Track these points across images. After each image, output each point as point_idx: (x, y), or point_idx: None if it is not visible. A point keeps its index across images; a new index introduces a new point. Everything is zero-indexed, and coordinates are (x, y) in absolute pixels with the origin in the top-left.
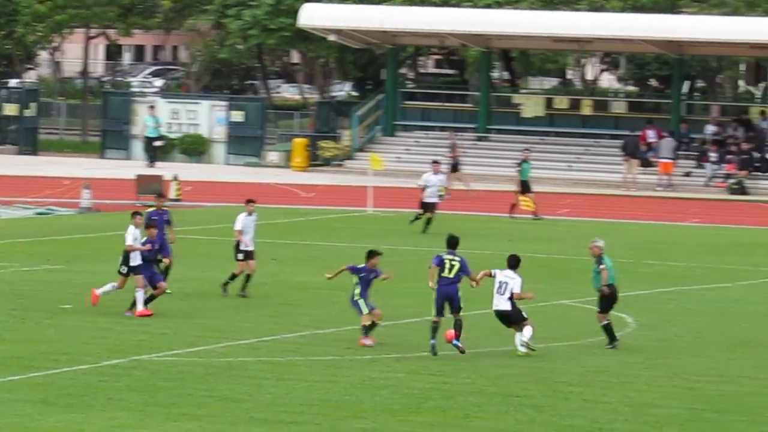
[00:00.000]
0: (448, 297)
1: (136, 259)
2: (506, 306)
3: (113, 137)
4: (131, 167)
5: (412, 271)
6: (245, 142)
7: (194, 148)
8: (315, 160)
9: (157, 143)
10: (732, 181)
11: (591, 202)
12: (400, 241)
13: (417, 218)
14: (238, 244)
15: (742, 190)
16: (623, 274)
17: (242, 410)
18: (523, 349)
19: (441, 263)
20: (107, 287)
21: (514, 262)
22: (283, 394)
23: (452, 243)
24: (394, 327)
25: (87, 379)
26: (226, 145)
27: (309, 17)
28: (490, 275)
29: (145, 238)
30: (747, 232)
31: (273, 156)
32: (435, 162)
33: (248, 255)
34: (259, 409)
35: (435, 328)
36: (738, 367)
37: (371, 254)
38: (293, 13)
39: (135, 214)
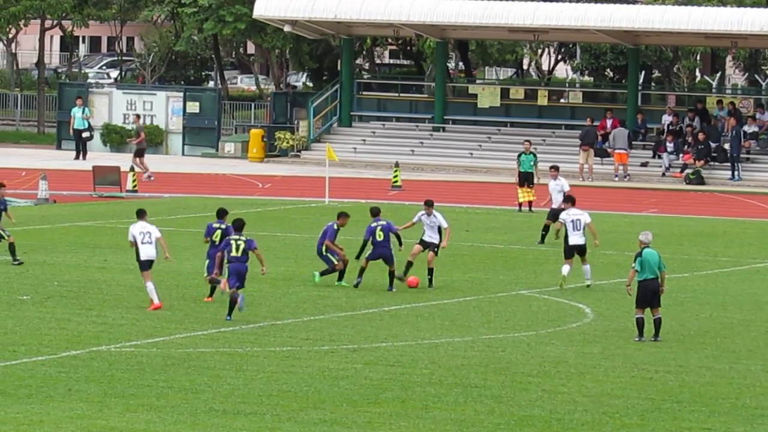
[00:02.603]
0: (382, 256)
1: None
2: None
3: (69, 128)
4: (88, 158)
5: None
6: (201, 133)
7: (150, 138)
8: (271, 151)
9: (85, 134)
10: (689, 171)
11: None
12: (357, 232)
13: None
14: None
15: (699, 180)
16: (580, 264)
17: (201, 401)
18: None
19: (372, 232)
20: None
21: None
22: (241, 385)
23: (375, 212)
24: (351, 318)
25: (46, 370)
26: (183, 136)
27: (264, 8)
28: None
29: None
30: (704, 222)
31: (229, 147)
32: None
33: None
34: (218, 400)
35: (362, 271)
36: (697, 357)
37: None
38: (249, 2)
39: None
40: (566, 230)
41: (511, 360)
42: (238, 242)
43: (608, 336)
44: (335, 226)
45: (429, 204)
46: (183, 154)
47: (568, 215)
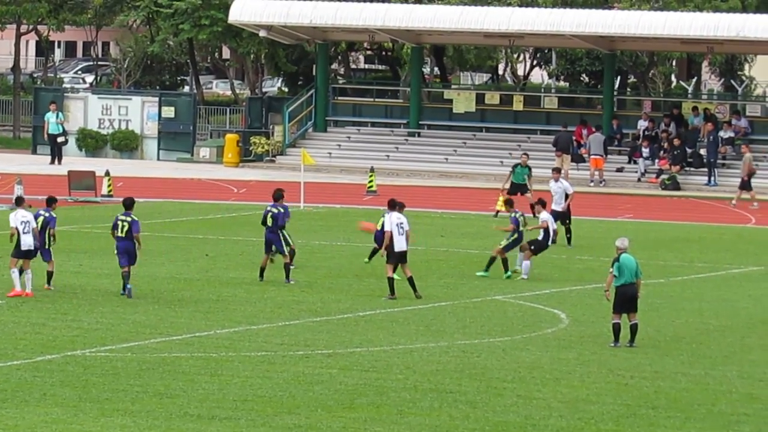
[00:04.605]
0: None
1: None
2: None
3: (44, 133)
4: (63, 163)
5: (344, 267)
6: (177, 138)
7: (126, 143)
8: (246, 156)
9: (60, 139)
10: (664, 176)
11: (524, 198)
12: (332, 236)
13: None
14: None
15: (674, 185)
16: (555, 269)
17: (176, 406)
18: None
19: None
20: None
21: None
22: (216, 390)
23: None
24: (326, 323)
25: (20, 374)
26: (158, 141)
27: (239, 13)
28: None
29: None
30: (680, 228)
31: (204, 152)
32: None
33: None
34: (193, 405)
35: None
36: (672, 363)
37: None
38: (224, 7)
39: None
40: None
41: (486, 365)
42: (123, 223)
43: (583, 342)
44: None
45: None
46: (158, 159)
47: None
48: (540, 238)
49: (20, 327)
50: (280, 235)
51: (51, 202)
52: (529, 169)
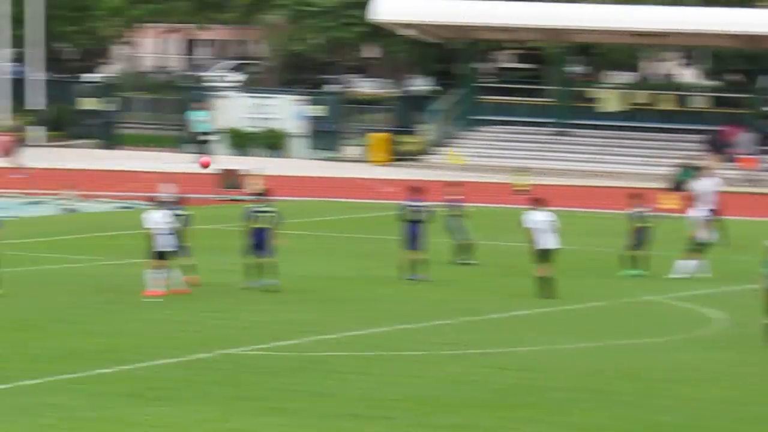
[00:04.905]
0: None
1: None
2: None
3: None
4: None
5: (493, 265)
6: (323, 137)
7: (273, 142)
8: (393, 155)
9: (205, 138)
10: None
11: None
12: (483, 235)
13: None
14: None
15: None
16: (712, 270)
17: (331, 405)
18: None
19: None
20: None
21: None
22: (371, 389)
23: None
24: (479, 322)
25: (175, 372)
26: (305, 140)
27: (381, 11)
28: None
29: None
30: None
31: (351, 150)
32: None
33: None
34: (348, 404)
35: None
36: None
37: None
38: (367, 6)
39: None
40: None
41: (642, 366)
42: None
43: (740, 342)
44: None
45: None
46: (305, 158)
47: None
48: (699, 237)
49: (173, 325)
50: (418, 230)
51: (177, 202)
52: (694, 169)
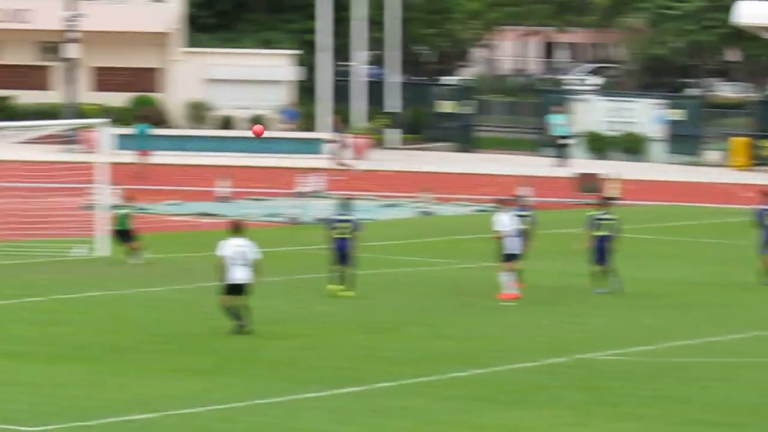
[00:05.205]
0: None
1: None
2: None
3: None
4: (568, 165)
5: None
6: (683, 141)
7: (632, 146)
8: (754, 160)
9: (565, 141)
10: None
11: None
12: None
13: None
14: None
15: None
16: None
17: (687, 411)
18: None
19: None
20: None
21: None
22: (729, 396)
23: None
24: None
25: (530, 376)
26: (664, 144)
27: (744, 14)
28: None
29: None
30: None
31: (712, 155)
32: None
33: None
34: (704, 411)
35: None
36: None
37: None
38: (729, 9)
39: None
40: None
41: None
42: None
43: None
44: None
45: None
46: (664, 162)
47: None
48: None
49: (528, 328)
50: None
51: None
52: None
